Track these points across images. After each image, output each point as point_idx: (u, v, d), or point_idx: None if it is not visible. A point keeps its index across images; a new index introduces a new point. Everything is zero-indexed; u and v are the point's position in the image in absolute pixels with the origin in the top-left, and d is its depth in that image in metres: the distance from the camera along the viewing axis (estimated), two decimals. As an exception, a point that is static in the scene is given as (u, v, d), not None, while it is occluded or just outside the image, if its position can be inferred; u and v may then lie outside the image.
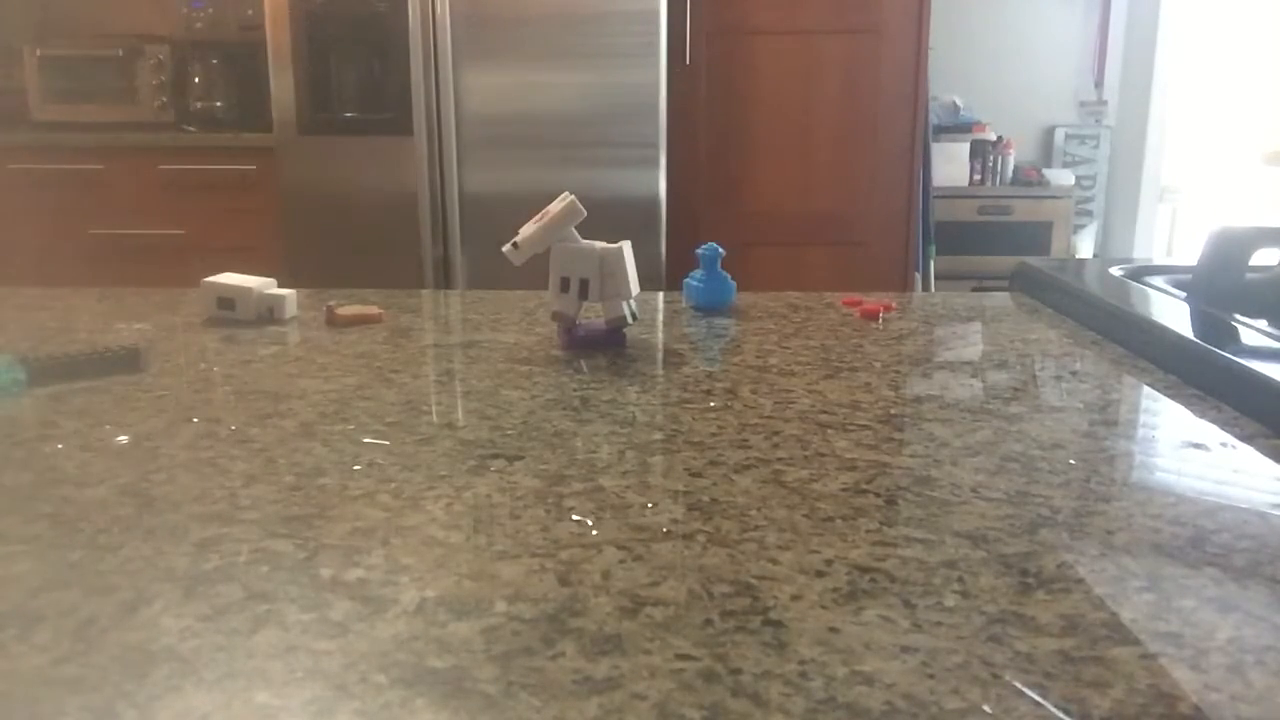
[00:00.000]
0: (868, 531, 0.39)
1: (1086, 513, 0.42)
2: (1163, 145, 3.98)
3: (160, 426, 0.51)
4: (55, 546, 0.37)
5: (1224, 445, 0.51)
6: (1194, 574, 0.36)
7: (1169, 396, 0.60)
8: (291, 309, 0.76)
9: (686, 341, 0.72)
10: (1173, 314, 0.74)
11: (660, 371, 0.63)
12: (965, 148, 3.84)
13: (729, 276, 0.82)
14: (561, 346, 0.68)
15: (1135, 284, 0.84)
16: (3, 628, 0.31)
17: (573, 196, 0.67)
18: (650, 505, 0.41)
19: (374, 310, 0.76)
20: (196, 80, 3.24)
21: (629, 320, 0.68)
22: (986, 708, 0.28)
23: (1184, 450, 0.51)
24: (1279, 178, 3.41)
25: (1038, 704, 0.28)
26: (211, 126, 3.18)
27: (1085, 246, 4.07)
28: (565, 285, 0.67)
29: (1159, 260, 0.90)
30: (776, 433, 0.51)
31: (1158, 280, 0.84)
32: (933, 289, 3.18)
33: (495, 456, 0.47)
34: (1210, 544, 0.39)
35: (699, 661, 0.30)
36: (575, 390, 0.58)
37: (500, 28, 2.56)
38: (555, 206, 0.67)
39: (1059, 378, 0.66)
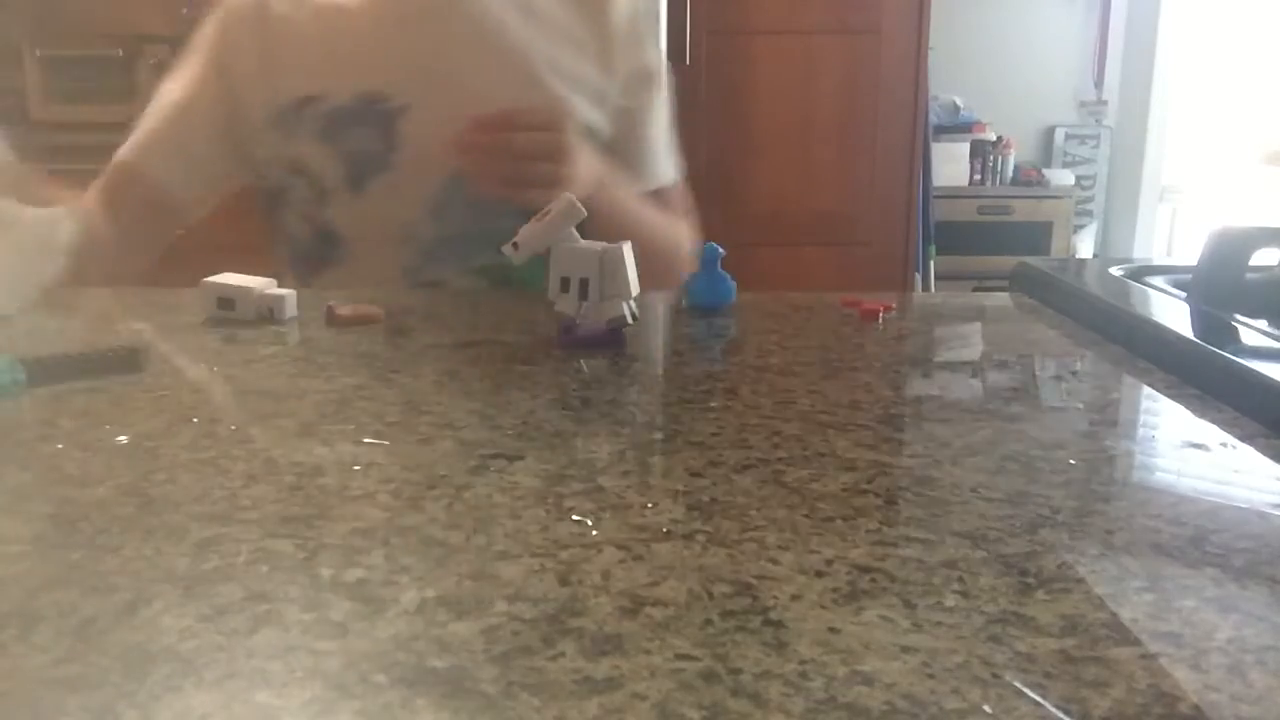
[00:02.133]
0: (868, 531, 0.39)
1: (1086, 513, 0.42)
2: (1163, 145, 3.98)
3: (160, 426, 0.51)
4: (55, 546, 0.37)
5: (1224, 445, 0.51)
6: (1194, 574, 0.36)
7: (1169, 396, 0.60)
8: (291, 309, 0.76)
9: (686, 341, 0.72)
10: (1173, 314, 0.74)
11: (660, 371, 0.63)
12: (965, 148, 3.84)
13: (729, 276, 0.82)
14: (561, 346, 0.68)
15: (1135, 284, 0.84)
16: (3, 628, 0.31)
17: (572, 196, 0.67)
18: (650, 505, 0.41)
19: (374, 310, 0.76)
20: (196, 80, 3.23)
21: (629, 320, 0.68)
22: (986, 708, 0.28)
23: (1184, 450, 0.51)
24: (1279, 178, 3.41)
25: (1038, 704, 0.28)
26: (211, 126, 3.17)
27: (1085, 246, 4.07)
28: (565, 285, 0.67)
29: (1159, 260, 0.90)
30: (776, 433, 0.51)
31: (1158, 280, 0.84)
32: (933, 289, 3.17)
33: (495, 456, 0.47)
34: (1210, 544, 0.39)
35: (699, 661, 0.30)
36: (575, 390, 0.58)
37: (500, 28, 2.55)
38: (555, 206, 0.67)
39: (1059, 378, 0.66)
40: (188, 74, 1.08)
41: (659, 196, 1.14)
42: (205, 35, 1.08)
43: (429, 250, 1.00)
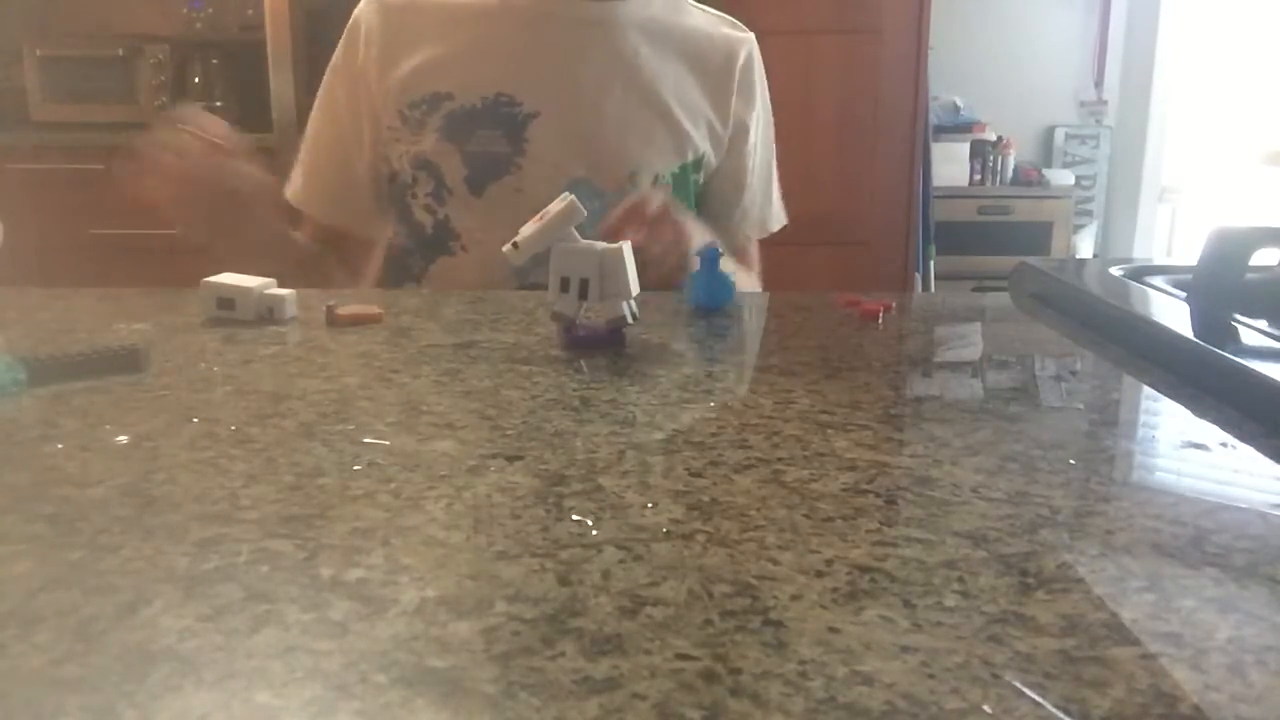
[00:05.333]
0: (868, 531, 0.39)
1: (1086, 513, 0.42)
2: (1163, 145, 3.98)
3: (160, 426, 0.51)
4: (55, 546, 0.37)
5: (1224, 445, 0.51)
6: (1194, 574, 0.36)
7: (1169, 396, 0.60)
8: (291, 309, 0.76)
9: (686, 341, 0.72)
10: (1173, 314, 0.74)
11: (660, 371, 0.63)
12: (965, 148, 3.84)
13: (729, 276, 0.82)
14: (561, 346, 0.68)
15: (1135, 284, 0.84)
16: (3, 628, 0.31)
17: (573, 196, 0.67)
18: (650, 505, 0.41)
19: (374, 310, 0.76)
20: (196, 80, 3.24)
21: (629, 320, 0.68)
22: (986, 708, 0.28)
23: (1184, 450, 0.51)
24: (1279, 178, 3.41)
25: (1038, 704, 0.28)
26: (211, 126, 3.16)
27: (1085, 246, 4.07)
28: (565, 285, 0.67)
29: (1159, 260, 0.90)
30: (776, 433, 0.51)
31: (1158, 280, 0.84)
32: (933, 289, 3.17)
33: (495, 456, 0.47)
34: (1210, 544, 0.39)
35: (699, 661, 0.30)
36: (575, 390, 0.58)
37: (500, 28, 2.55)
38: (555, 206, 0.67)
39: (1059, 378, 0.66)
40: (330, 93, 1.11)
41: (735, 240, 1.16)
42: (340, 47, 1.11)
43: (542, 254, 1.01)
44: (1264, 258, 0.76)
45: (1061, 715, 0.27)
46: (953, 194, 3.70)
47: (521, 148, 1.02)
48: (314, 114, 1.14)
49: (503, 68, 1.03)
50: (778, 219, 1.24)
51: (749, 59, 1.13)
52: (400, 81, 1.05)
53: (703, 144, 1.09)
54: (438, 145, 1.03)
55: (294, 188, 1.13)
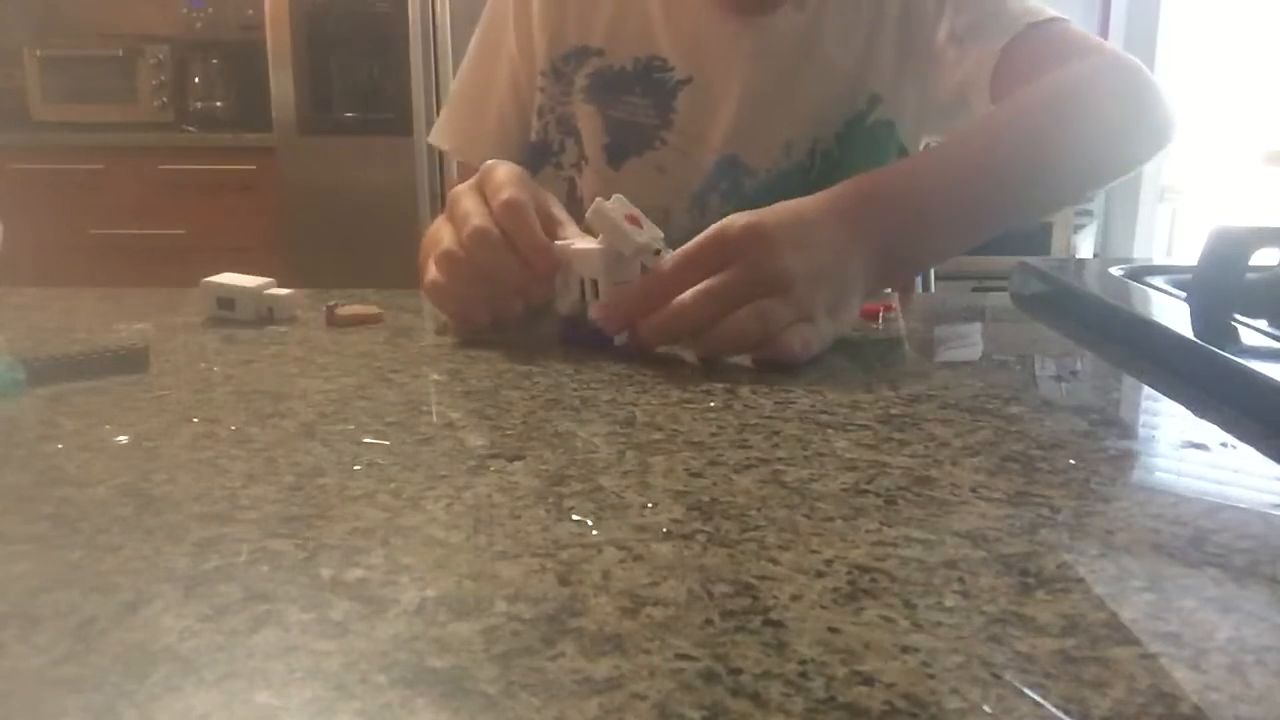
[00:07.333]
0: (868, 531, 0.39)
1: (1086, 513, 0.42)
2: (1163, 145, 3.96)
3: (160, 426, 0.51)
4: (55, 546, 0.37)
5: (1224, 445, 0.51)
6: (1194, 574, 0.36)
7: (1169, 396, 0.60)
8: (291, 309, 0.76)
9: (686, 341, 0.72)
10: (1173, 314, 0.74)
11: (660, 371, 0.63)
12: (965, 148, 3.82)
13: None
14: (564, 342, 0.68)
15: (1135, 284, 0.84)
16: (3, 628, 0.31)
17: (600, 199, 0.67)
18: (650, 505, 0.41)
19: (374, 310, 0.76)
20: (196, 80, 3.24)
21: None
22: (986, 708, 0.28)
23: (1184, 450, 0.51)
24: (1279, 178, 3.41)
25: (1038, 704, 0.28)
26: (211, 126, 3.18)
27: (1085, 246, 4.06)
28: (581, 286, 0.67)
29: (1159, 260, 0.90)
30: (776, 433, 0.51)
31: (1158, 280, 0.84)
32: (933, 289, 3.17)
33: (495, 456, 0.47)
34: (1210, 544, 0.39)
35: (699, 661, 0.30)
36: (575, 390, 0.58)
37: (500, 28, 2.55)
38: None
39: (1059, 378, 0.66)
40: (493, 27, 0.99)
41: (1023, 47, 0.89)
42: None
43: None
44: (1264, 258, 0.76)
45: (1061, 715, 0.27)
46: (953, 194, 3.69)
47: (669, 119, 0.90)
48: (470, 55, 1.01)
49: (653, 26, 0.90)
50: (1027, 14, 0.91)
51: None
52: (555, 26, 0.93)
53: (876, 84, 0.93)
54: (580, 106, 0.92)
55: (441, 130, 1.01)
